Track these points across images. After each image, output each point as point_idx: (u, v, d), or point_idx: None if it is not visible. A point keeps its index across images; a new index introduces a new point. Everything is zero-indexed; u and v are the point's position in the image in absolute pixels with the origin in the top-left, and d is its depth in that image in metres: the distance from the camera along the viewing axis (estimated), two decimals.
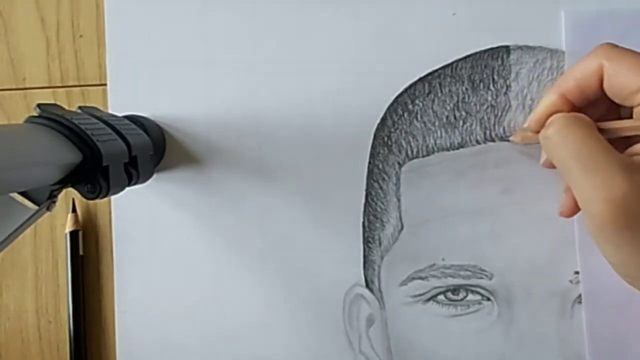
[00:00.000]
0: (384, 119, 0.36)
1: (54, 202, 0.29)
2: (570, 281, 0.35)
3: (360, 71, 0.37)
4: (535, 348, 0.35)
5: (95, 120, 0.31)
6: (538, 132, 0.32)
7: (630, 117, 0.30)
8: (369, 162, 0.37)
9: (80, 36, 0.40)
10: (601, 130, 0.29)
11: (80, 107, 0.32)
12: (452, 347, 0.36)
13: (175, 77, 0.38)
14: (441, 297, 0.36)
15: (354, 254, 0.37)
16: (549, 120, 0.31)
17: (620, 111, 0.32)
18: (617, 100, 0.30)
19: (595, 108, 0.32)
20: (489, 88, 0.36)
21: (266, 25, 0.37)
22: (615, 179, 0.26)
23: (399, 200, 0.36)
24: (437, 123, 0.36)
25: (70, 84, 0.40)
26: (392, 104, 0.36)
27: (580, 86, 0.30)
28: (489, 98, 0.36)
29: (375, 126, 0.37)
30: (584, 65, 0.30)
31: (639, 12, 0.35)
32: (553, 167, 0.31)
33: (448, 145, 0.36)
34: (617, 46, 0.30)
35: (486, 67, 0.36)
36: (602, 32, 0.35)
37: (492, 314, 0.35)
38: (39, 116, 0.29)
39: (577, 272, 0.35)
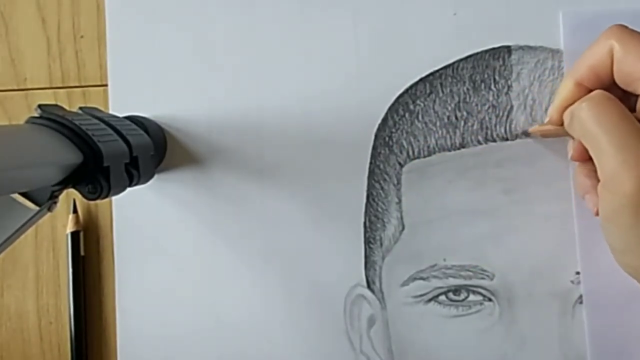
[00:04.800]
0: (385, 119, 0.36)
1: (55, 202, 0.29)
2: (572, 281, 0.35)
3: (361, 71, 0.37)
4: (536, 348, 0.35)
5: (96, 121, 0.31)
6: (559, 124, 0.31)
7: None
8: (370, 163, 0.37)
9: (81, 36, 0.40)
10: None
11: (81, 108, 0.32)
12: (453, 347, 0.36)
13: (176, 78, 0.38)
14: (442, 297, 0.36)
15: (355, 255, 0.37)
16: (571, 108, 0.30)
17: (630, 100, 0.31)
18: (622, 86, 0.29)
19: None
20: (490, 88, 0.36)
21: (267, 25, 0.37)
22: None
23: (400, 200, 0.36)
24: (438, 123, 0.36)
25: (71, 84, 0.40)
26: (393, 104, 0.36)
27: (594, 71, 0.30)
28: (490, 98, 0.36)
29: (377, 126, 0.37)
30: (596, 48, 0.29)
31: (638, 13, 0.35)
32: (582, 159, 0.31)
33: (449, 145, 0.36)
34: (628, 28, 0.29)
35: (487, 67, 0.36)
36: (601, 32, 0.35)
37: (493, 314, 0.35)
38: (40, 117, 0.29)
39: (578, 273, 0.35)
